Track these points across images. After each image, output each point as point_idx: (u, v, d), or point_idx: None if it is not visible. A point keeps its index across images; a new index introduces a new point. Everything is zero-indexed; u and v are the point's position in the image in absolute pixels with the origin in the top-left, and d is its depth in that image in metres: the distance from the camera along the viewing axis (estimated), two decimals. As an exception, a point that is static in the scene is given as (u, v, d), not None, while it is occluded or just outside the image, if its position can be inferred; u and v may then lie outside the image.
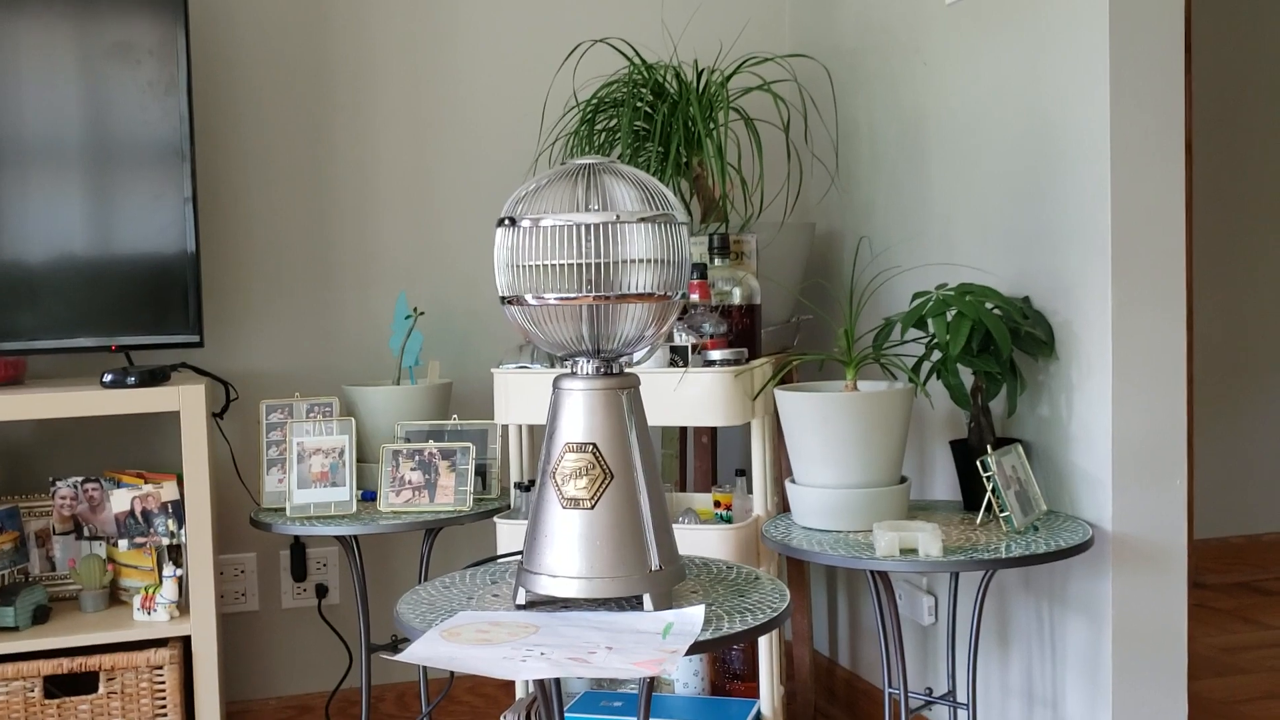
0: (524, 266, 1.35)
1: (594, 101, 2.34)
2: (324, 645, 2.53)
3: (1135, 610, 1.85)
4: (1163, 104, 1.83)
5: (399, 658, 1.23)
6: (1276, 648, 2.91)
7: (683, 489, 2.54)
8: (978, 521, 1.85)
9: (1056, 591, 1.96)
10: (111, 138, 2.11)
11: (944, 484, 2.24)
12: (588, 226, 1.33)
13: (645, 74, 2.31)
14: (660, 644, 1.26)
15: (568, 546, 1.35)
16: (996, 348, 1.85)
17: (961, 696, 1.94)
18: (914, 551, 1.67)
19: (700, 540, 1.92)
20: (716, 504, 2.12)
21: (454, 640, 1.29)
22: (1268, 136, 3.60)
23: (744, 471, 2.13)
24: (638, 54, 2.34)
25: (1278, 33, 3.59)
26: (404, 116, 2.58)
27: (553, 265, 1.34)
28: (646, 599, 1.36)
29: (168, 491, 2.09)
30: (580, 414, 1.37)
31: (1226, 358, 3.57)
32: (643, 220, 1.34)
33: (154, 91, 2.12)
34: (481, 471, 2.20)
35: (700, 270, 2.04)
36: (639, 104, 2.31)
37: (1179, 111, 1.85)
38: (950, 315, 1.86)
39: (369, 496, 2.17)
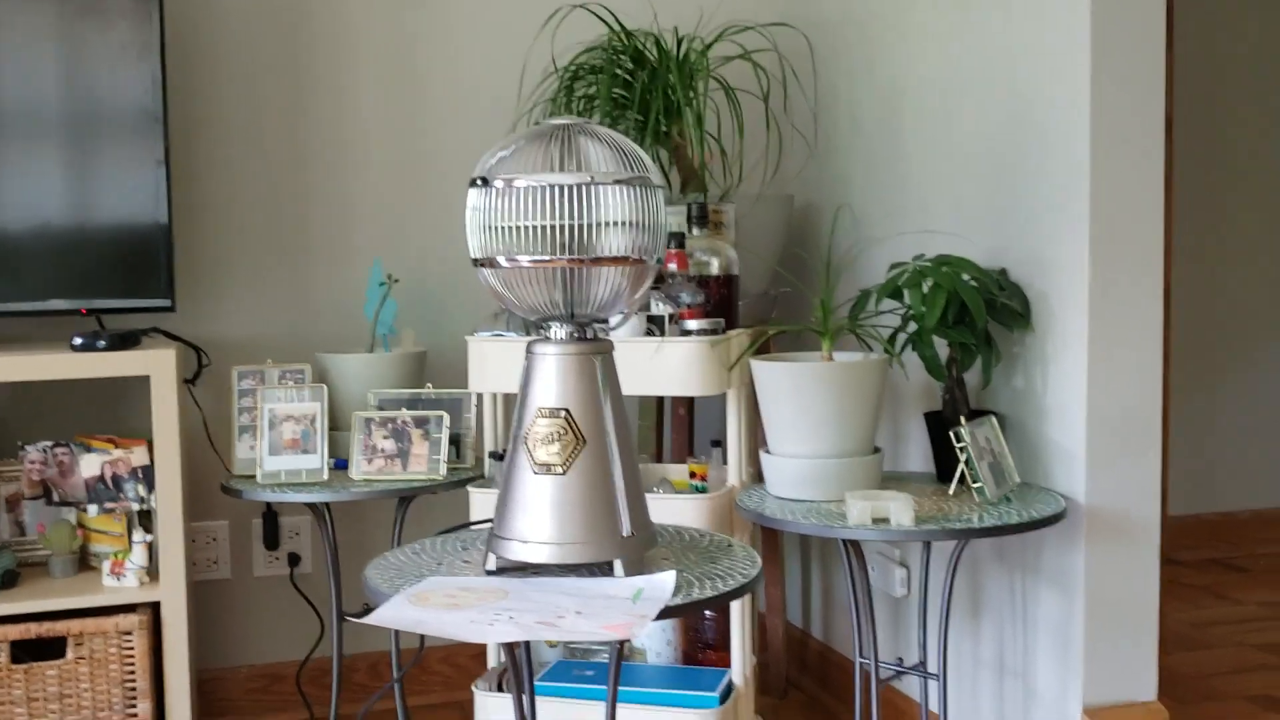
0: (497, 228, 1.34)
1: (573, 68, 2.31)
2: (296, 614, 2.52)
3: (1107, 583, 1.86)
4: (1143, 79, 1.82)
5: (366, 620, 1.23)
6: (1246, 623, 2.93)
7: (659, 460, 2.54)
8: (950, 492, 1.85)
9: (1029, 563, 1.96)
10: (84, 101, 2.08)
11: (918, 455, 2.25)
12: (561, 188, 1.31)
13: (625, 40, 2.29)
14: (630, 609, 1.25)
15: (539, 512, 1.34)
16: (972, 319, 1.85)
17: (932, 667, 1.95)
18: (886, 521, 1.67)
19: (674, 510, 1.92)
20: (692, 474, 2.11)
21: (422, 605, 1.28)
22: (1248, 113, 3.60)
23: (720, 442, 2.12)
24: (617, 20, 2.32)
25: (1259, 10, 3.59)
26: (380, 81, 2.56)
27: (526, 227, 1.32)
28: (617, 564, 1.35)
29: (138, 457, 2.07)
30: (553, 379, 1.36)
31: (1203, 337, 3.59)
32: (618, 182, 1.33)
33: (127, 55, 2.09)
34: (456, 440, 2.19)
35: (678, 240, 2.03)
36: (618, 71, 2.29)
37: (1159, 87, 1.84)
38: (926, 286, 1.86)
39: (341, 465, 2.16)
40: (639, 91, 2.24)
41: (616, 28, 2.30)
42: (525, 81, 2.55)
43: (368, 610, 1.78)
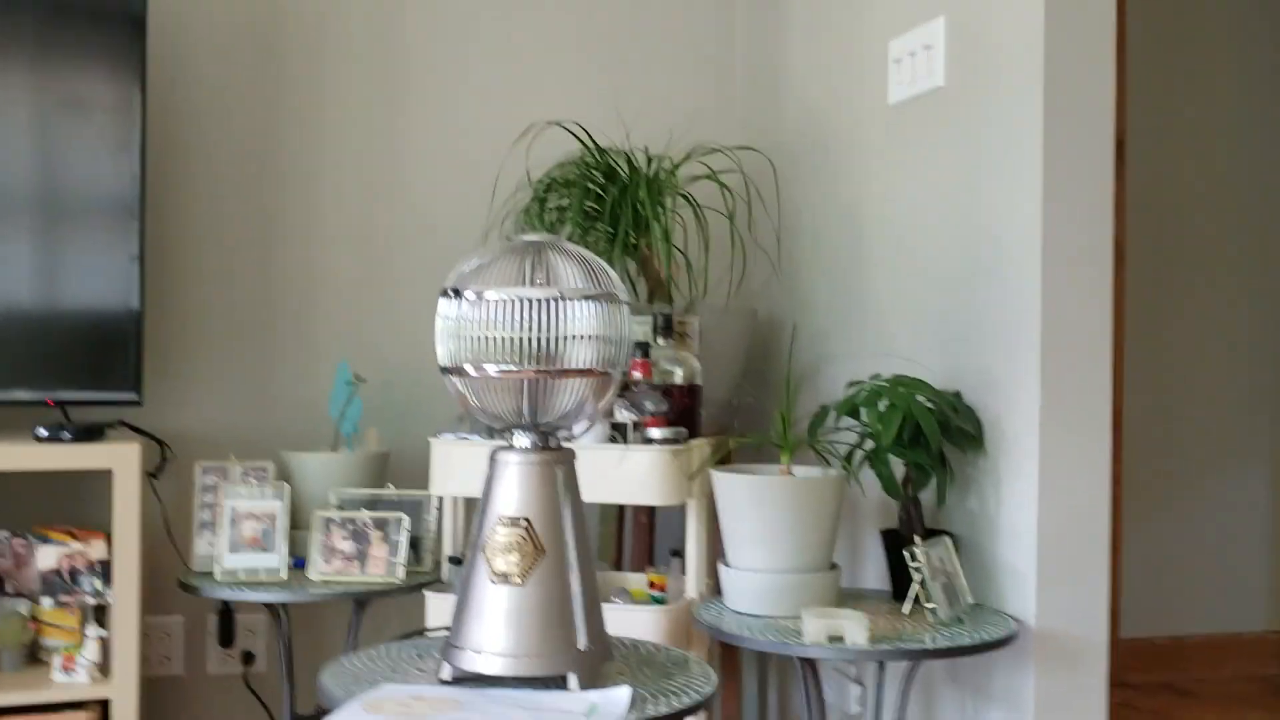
0: (466, 337, 1.37)
1: (546, 180, 2.38)
2: (249, 713, 2.48)
3: (1057, 706, 1.87)
4: (1093, 216, 1.90)
5: (319, 727, 1.22)
6: (1196, 749, 2.94)
7: (619, 567, 2.54)
8: (905, 611, 1.88)
9: (981, 684, 1.98)
10: (60, 193, 2.11)
11: (874, 572, 2.27)
12: (531, 301, 1.35)
13: (598, 157, 2.36)
14: (583, 723, 1.26)
15: (495, 622, 1.36)
16: (927, 440, 1.89)
17: (885, 786, 1.94)
18: (841, 640, 1.69)
19: (633, 621, 1.93)
20: (651, 584, 2.12)
21: (375, 713, 1.28)
22: (1201, 241, 3.72)
23: (679, 552, 2.14)
24: (591, 138, 2.39)
25: (1212, 146, 3.74)
26: (354, 184, 2.61)
27: (494, 338, 1.36)
28: (572, 678, 1.36)
29: (96, 550, 2.06)
30: (514, 487, 1.39)
31: (1158, 460, 3.65)
32: (586, 297, 1.37)
33: (105, 147, 2.13)
34: (415, 543, 2.19)
35: (643, 349, 2.07)
36: (590, 185, 2.35)
37: (1107, 224, 1.92)
38: (883, 406, 1.90)
39: (300, 564, 2.16)
40: (609, 205, 2.30)
41: (590, 144, 2.37)
42: (498, 192, 2.61)
43: (321, 713, 1.77)
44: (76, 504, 2.36)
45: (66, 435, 2.00)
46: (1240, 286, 3.79)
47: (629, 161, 2.35)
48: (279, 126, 2.56)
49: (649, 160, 2.36)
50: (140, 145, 2.16)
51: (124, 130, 2.14)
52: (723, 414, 2.42)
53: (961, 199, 2.07)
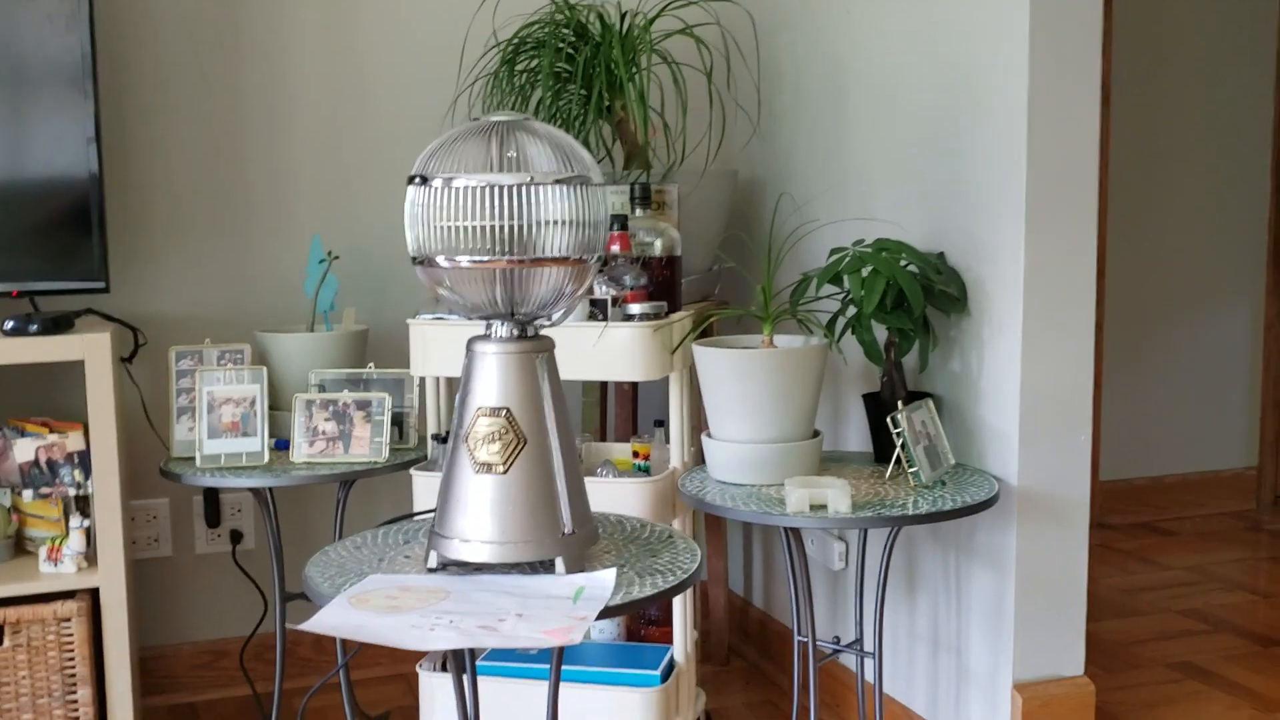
0: (435, 226, 1.33)
1: (515, 41, 2.29)
2: (239, 591, 2.52)
3: (1038, 560, 1.90)
4: (1080, 60, 1.84)
5: (304, 627, 1.23)
6: (1171, 589, 3.02)
7: (603, 438, 2.55)
8: (887, 475, 1.89)
9: (963, 542, 2.01)
10: (9, 75, 2.02)
11: (857, 435, 2.28)
12: (501, 187, 1.31)
13: (567, 14, 2.27)
14: (570, 609, 1.27)
15: (480, 511, 1.35)
16: (910, 304, 1.87)
17: (869, 645, 1.99)
18: (824, 507, 1.70)
19: (618, 493, 1.93)
20: (635, 454, 2.13)
21: (362, 607, 1.28)
22: (1185, 90, 3.65)
23: (663, 422, 2.14)
24: (560, -6, 2.29)
25: (1198, -17, 3.63)
26: (318, 51, 2.51)
27: (465, 227, 1.32)
28: (559, 562, 1.36)
29: (73, 441, 2.04)
30: (494, 378, 1.36)
31: (1134, 305, 3.66)
32: (558, 182, 1.32)
33: (54, 25, 2.03)
34: (399, 420, 2.18)
35: (621, 221, 2.02)
36: (561, 45, 2.26)
37: (1095, 68, 1.86)
38: (865, 272, 1.87)
39: (282, 445, 2.15)
40: (582, 66, 2.22)
41: (559, 0, 2.27)
42: (466, 54, 2.51)
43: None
44: (51, 394, 2.33)
45: (34, 327, 1.96)
46: (1221, 122, 3.73)
47: (600, 18, 2.26)
48: (232, -9, 2.45)
49: (621, 16, 2.27)
50: (89, 19, 2.05)
51: (70, 3, 2.04)
52: (703, 281, 2.39)
53: (944, 48, 2.00)
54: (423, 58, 2.56)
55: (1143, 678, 2.46)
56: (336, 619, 1.26)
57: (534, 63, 2.29)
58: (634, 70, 2.19)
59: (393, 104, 2.56)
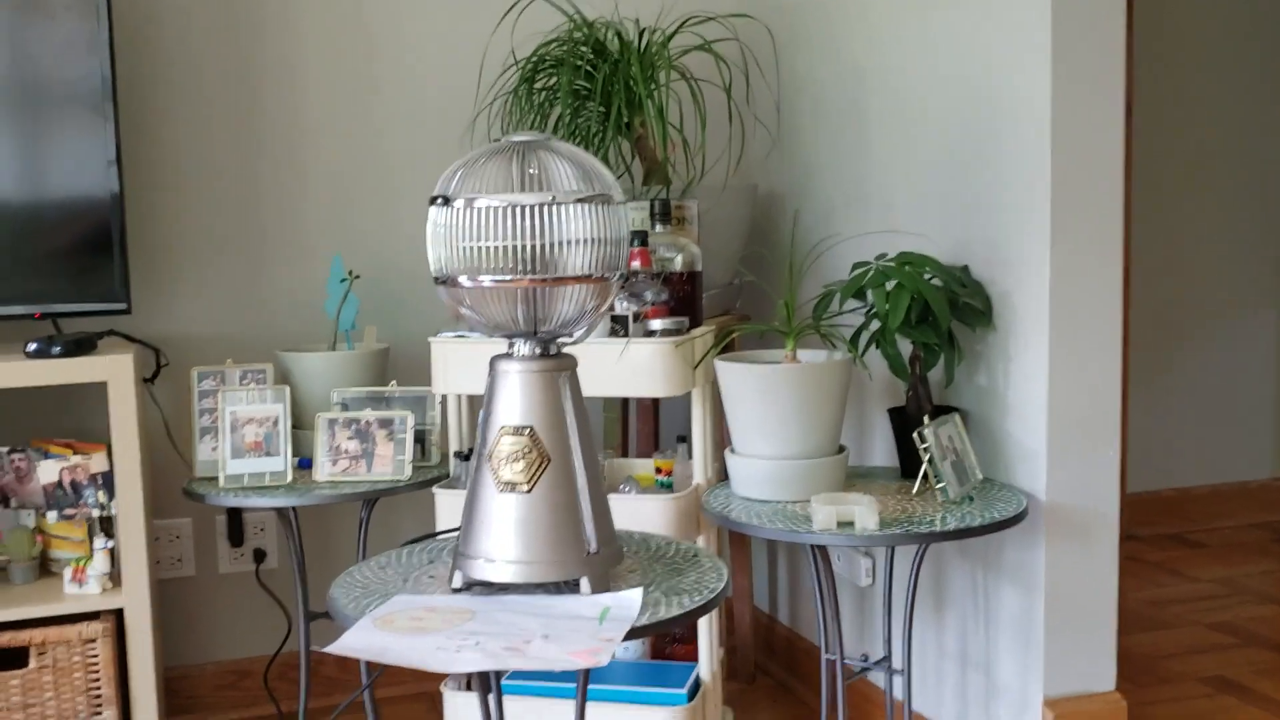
0: (457, 246, 1.32)
1: (533, 60, 2.29)
2: (263, 610, 2.51)
3: (1067, 576, 1.88)
4: (1103, 73, 1.82)
5: (329, 650, 1.22)
6: (1201, 601, 2.99)
7: (625, 454, 2.54)
8: (914, 491, 1.87)
9: (991, 559, 1.99)
10: (31, 101, 2.03)
11: (882, 449, 2.26)
12: (524, 207, 1.30)
13: (586, 31, 2.27)
14: (597, 630, 1.25)
15: (504, 531, 1.34)
16: (935, 318, 1.86)
17: (897, 659, 1.97)
18: (851, 525, 1.68)
19: (641, 510, 1.92)
20: (658, 470, 2.11)
21: (387, 628, 1.27)
22: (1205, 98, 3.62)
23: (685, 438, 2.13)
24: (578, 10, 2.29)
25: (1218, 2, 3.60)
26: (334, 72, 2.52)
27: (487, 247, 1.31)
28: (584, 582, 1.35)
29: (97, 463, 2.05)
30: (517, 396, 1.36)
31: (1160, 315, 3.63)
32: (580, 200, 1.32)
33: (74, 51, 2.04)
34: (421, 438, 2.18)
35: (641, 237, 2.02)
36: (579, 63, 2.26)
37: (1119, 81, 1.84)
38: (890, 286, 1.86)
39: (305, 464, 2.14)
40: (600, 83, 2.22)
41: (577, 18, 2.27)
42: (484, 74, 2.52)
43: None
44: (75, 415, 2.34)
45: (57, 349, 1.96)
46: (1243, 134, 3.70)
47: (619, 35, 2.26)
48: (258, 17, 2.45)
49: (640, 33, 2.27)
50: (109, 46, 2.06)
51: (90, 31, 2.05)
52: (723, 295, 2.38)
53: (966, 62, 1.98)
54: (441, 77, 2.56)
55: (1175, 692, 2.43)
56: (362, 641, 1.25)
57: (553, 80, 2.29)
58: (653, 87, 2.19)
59: (412, 123, 2.56)
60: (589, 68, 2.27)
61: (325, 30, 2.50)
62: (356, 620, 1.31)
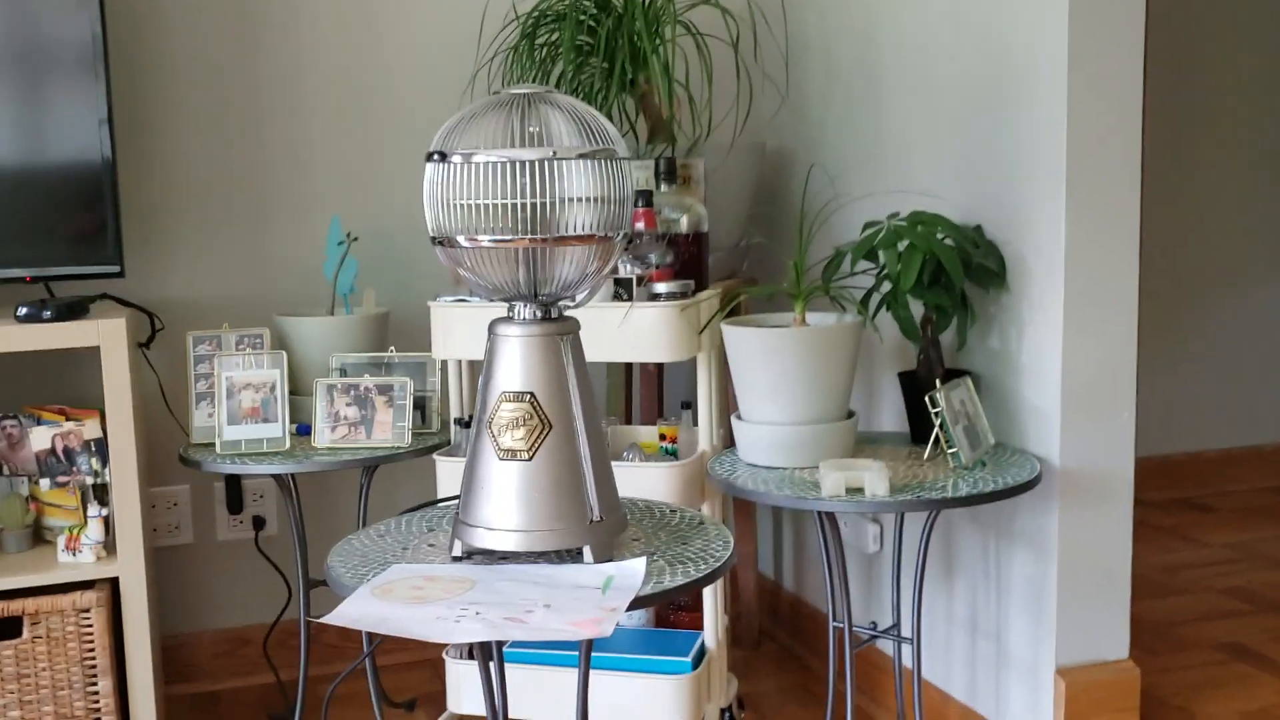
0: (455, 205, 1.27)
1: (534, 14, 2.23)
2: (262, 578, 2.48)
3: (1080, 542, 1.84)
4: (1121, 29, 1.77)
5: (327, 619, 1.18)
6: (1213, 567, 2.95)
7: (628, 421, 2.50)
8: (925, 456, 1.83)
9: (1003, 525, 1.95)
10: (20, 54, 1.98)
11: (891, 414, 2.22)
12: (523, 163, 1.25)
13: (588, -15, 2.20)
14: (599, 600, 1.22)
15: (505, 498, 1.30)
16: (948, 279, 1.81)
17: (906, 630, 1.93)
18: (860, 491, 1.64)
19: (645, 478, 1.88)
20: (662, 437, 2.07)
21: (386, 598, 1.24)
22: (1227, 62, 3.55)
23: (690, 404, 2.08)
24: (580, -35, 2.22)
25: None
26: (335, 27, 2.45)
27: (485, 205, 1.26)
28: (587, 551, 1.31)
29: (90, 429, 2.01)
30: (517, 361, 1.31)
31: (1171, 279, 3.57)
32: (582, 156, 1.27)
33: (64, 5, 1.98)
34: (421, 404, 2.13)
35: (646, 198, 1.96)
36: (581, 17, 2.20)
37: (1138, 37, 1.79)
38: (901, 246, 1.81)
39: (304, 430, 2.10)
40: (603, 38, 2.16)
41: (579, -28, 2.21)
42: (485, 29, 2.45)
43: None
44: (68, 380, 2.30)
45: (47, 313, 1.92)
46: (1262, 97, 3.63)
47: (622, -11, 2.19)
48: (245, -33, 2.39)
49: (643, -13, 2.20)
50: (99, 1, 2.01)
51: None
52: (730, 257, 2.33)
53: (981, 15, 1.92)
54: (441, 34, 2.50)
55: (1189, 659, 2.40)
56: (360, 611, 1.21)
57: (554, 36, 2.23)
58: (658, 42, 2.13)
59: (411, 82, 2.50)
60: (591, 23, 2.21)
61: (321, -14, 2.44)
62: (355, 589, 1.27)
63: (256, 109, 2.42)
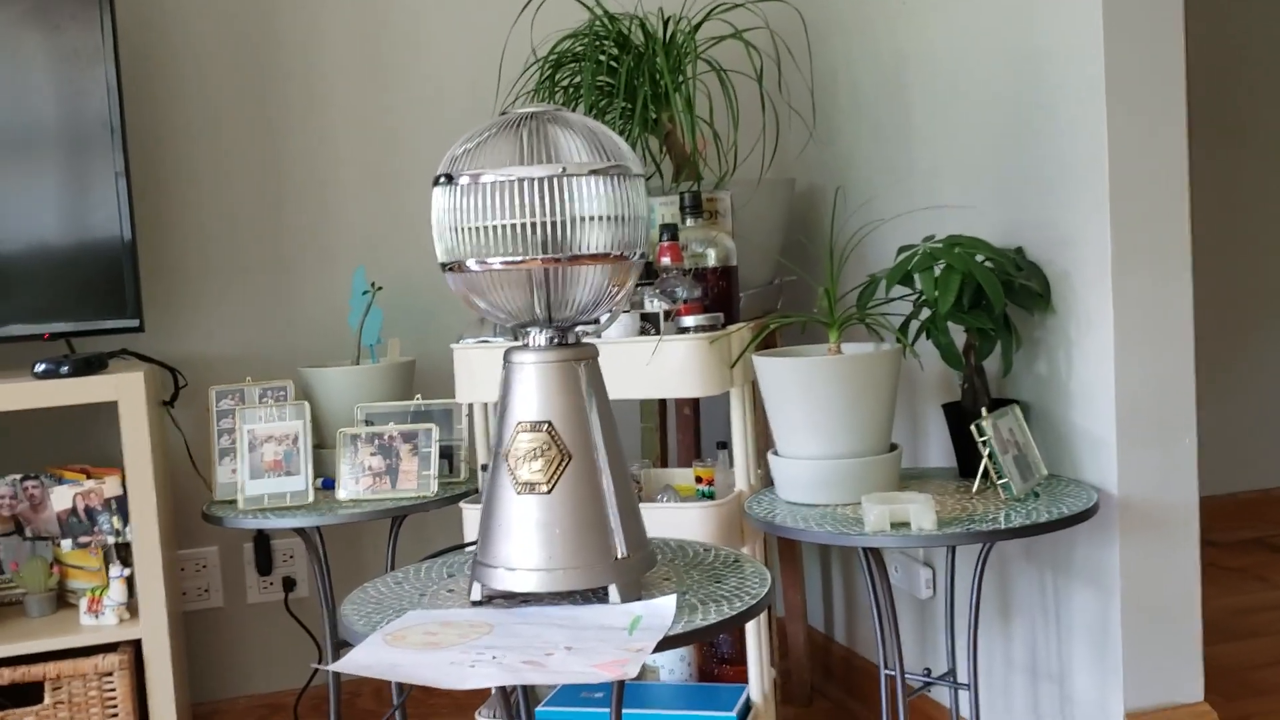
0: (464, 229, 1.22)
1: (554, 56, 2.19)
2: (294, 640, 2.42)
3: (1145, 577, 1.73)
4: (1160, 36, 1.69)
5: (335, 667, 1.11)
6: (1290, 607, 2.80)
7: (664, 464, 2.42)
8: (974, 489, 1.73)
9: (1060, 560, 1.84)
10: (35, 114, 1.97)
11: (938, 450, 2.12)
12: (532, 181, 1.20)
13: (608, 25, 2.17)
14: (625, 641, 1.14)
15: (525, 535, 1.23)
16: (989, 303, 1.73)
17: (962, 673, 1.83)
18: (906, 525, 1.55)
19: (680, 520, 1.80)
20: (698, 479, 2.00)
21: (399, 644, 1.17)
22: (1263, 80, 3.46)
23: (726, 444, 2.01)
24: (599, 3, 2.20)
25: (1274, -34, 3.45)
26: (356, 81, 2.44)
27: (496, 226, 1.21)
28: (612, 590, 1.24)
29: (110, 487, 1.96)
30: (533, 389, 1.25)
31: (1229, 308, 3.45)
32: (593, 173, 1.21)
33: (78, 62, 1.98)
34: (448, 453, 2.07)
35: (671, 231, 1.91)
36: (602, 57, 2.17)
37: (1178, 44, 1.71)
38: (938, 269, 1.73)
39: (328, 485, 2.05)
40: (624, 78, 2.12)
41: (599, 11, 2.18)
42: (504, 73, 2.43)
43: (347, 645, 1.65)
44: (93, 440, 2.26)
45: (65, 369, 1.89)
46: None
47: (643, 27, 2.16)
48: (273, 26, 2.39)
49: (664, 23, 2.17)
50: (113, 55, 2.00)
51: (93, 40, 1.99)
52: (764, 296, 2.26)
53: (1012, 33, 1.86)
54: (460, 81, 2.48)
55: (1268, 705, 2.25)
56: (370, 658, 1.14)
57: (576, 77, 2.19)
58: (680, 79, 2.09)
59: (431, 129, 2.48)
60: (612, 62, 2.17)
61: (343, 40, 2.43)
62: (367, 637, 1.20)
63: (277, 162, 2.40)
